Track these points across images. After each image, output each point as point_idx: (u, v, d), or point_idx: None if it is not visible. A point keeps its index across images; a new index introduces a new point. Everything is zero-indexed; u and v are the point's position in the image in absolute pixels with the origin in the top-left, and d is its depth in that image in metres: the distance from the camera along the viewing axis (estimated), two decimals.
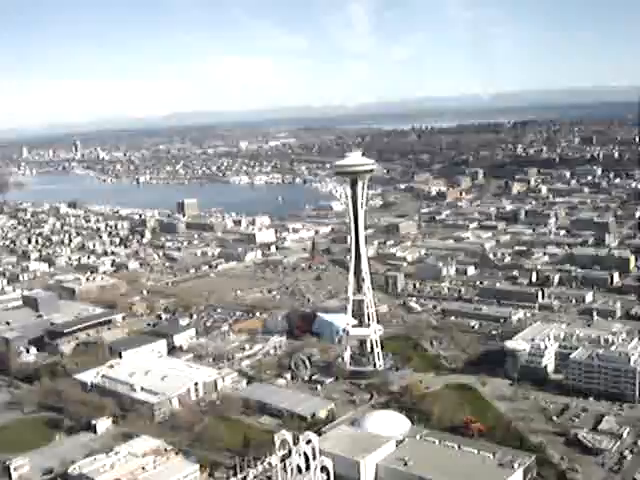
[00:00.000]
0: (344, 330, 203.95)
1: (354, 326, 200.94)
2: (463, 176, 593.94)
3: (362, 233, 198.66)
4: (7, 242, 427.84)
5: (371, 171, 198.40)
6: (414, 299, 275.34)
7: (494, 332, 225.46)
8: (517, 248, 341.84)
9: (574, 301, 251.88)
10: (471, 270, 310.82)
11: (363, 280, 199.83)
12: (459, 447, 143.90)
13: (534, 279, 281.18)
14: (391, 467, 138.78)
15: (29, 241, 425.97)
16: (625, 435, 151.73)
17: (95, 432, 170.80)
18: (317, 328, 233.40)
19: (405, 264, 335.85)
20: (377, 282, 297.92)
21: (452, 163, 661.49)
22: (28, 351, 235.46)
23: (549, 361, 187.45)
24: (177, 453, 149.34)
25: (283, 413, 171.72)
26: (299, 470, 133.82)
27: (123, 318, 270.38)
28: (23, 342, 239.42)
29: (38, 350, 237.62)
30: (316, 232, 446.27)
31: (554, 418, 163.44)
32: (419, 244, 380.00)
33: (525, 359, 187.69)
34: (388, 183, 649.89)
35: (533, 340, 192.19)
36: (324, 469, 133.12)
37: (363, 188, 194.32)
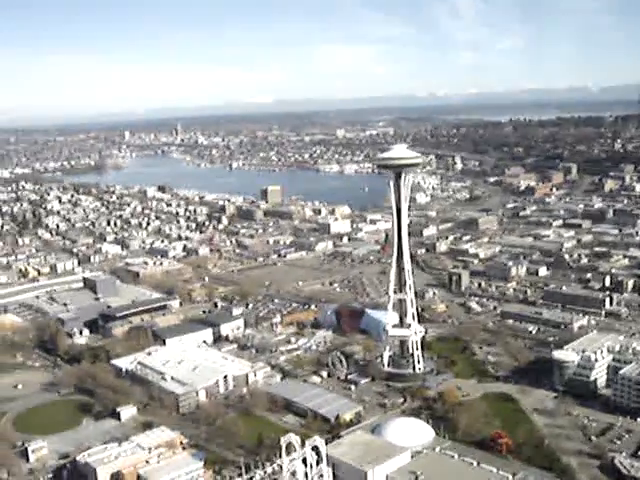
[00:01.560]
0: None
1: (394, 326, 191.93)
2: (555, 171, 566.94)
3: (405, 229, 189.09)
4: (87, 224, 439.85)
5: (416, 165, 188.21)
6: (477, 299, 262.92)
7: (551, 339, 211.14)
8: (597, 249, 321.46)
9: None
10: (543, 271, 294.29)
11: (407, 278, 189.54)
12: (478, 464, 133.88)
13: (607, 283, 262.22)
14: None
15: (108, 223, 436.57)
16: None
17: (119, 419, 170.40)
18: (365, 325, 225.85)
19: (476, 261, 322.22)
20: (442, 280, 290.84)
21: (546, 157, 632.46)
22: (81, 333, 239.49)
23: (600, 375, 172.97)
24: (184, 448, 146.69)
25: (307, 413, 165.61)
26: (305, 475, 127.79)
27: (180, 304, 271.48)
28: (77, 324, 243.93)
29: (92, 333, 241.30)
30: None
31: (593, 438, 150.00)
32: (496, 241, 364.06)
33: (573, 371, 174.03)
34: (478, 176, 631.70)
35: (584, 351, 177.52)
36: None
37: (407, 182, 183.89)
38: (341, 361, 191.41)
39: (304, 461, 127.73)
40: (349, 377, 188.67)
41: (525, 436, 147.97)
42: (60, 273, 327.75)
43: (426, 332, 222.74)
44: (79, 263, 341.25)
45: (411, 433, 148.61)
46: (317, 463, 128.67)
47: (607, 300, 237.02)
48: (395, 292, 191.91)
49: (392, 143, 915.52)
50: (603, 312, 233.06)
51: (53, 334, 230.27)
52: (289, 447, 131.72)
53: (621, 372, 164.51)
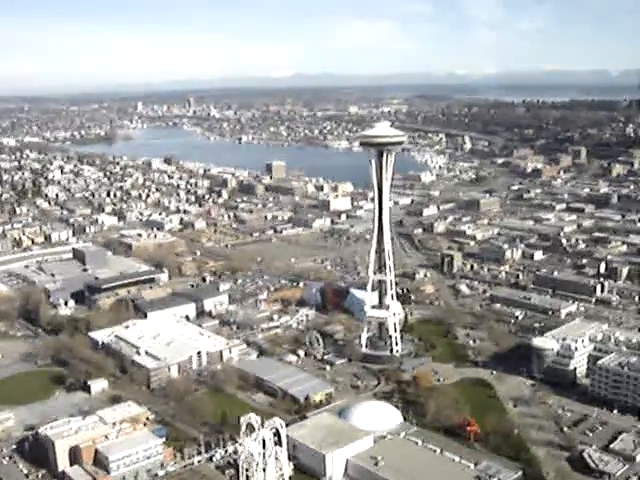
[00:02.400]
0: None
1: (373, 307, 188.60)
2: (564, 154, 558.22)
3: (386, 208, 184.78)
4: (87, 194, 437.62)
5: (399, 143, 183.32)
6: (467, 281, 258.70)
7: (537, 325, 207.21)
8: (596, 234, 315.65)
9: (638, 299, 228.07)
10: (538, 255, 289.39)
11: (387, 259, 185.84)
12: (441, 451, 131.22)
13: (602, 270, 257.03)
14: (359, 465, 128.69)
15: (108, 194, 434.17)
16: (639, 459, 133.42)
17: (89, 392, 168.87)
18: (349, 304, 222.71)
19: (472, 243, 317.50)
20: (436, 261, 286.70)
21: (556, 139, 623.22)
22: (66, 304, 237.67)
23: (579, 364, 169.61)
24: (145, 424, 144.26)
25: (277, 392, 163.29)
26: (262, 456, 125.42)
27: (169, 277, 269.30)
28: (63, 294, 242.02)
29: (78, 304, 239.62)
30: (395, 203, 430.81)
31: (565, 429, 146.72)
32: (495, 223, 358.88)
33: (552, 359, 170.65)
34: (486, 156, 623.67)
35: (564, 339, 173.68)
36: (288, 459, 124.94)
37: (388, 161, 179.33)
38: (318, 340, 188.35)
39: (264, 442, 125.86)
40: (325, 357, 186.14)
41: (495, 424, 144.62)
42: (54, 243, 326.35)
43: (411, 314, 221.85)
44: (74, 234, 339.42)
45: (378, 417, 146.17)
46: (279, 444, 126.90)
47: (598, 287, 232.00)
48: (375, 273, 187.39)
49: (404, 121, 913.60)
50: (594, 299, 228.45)
51: (36, 304, 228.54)
52: (249, 427, 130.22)
53: (599, 362, 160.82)
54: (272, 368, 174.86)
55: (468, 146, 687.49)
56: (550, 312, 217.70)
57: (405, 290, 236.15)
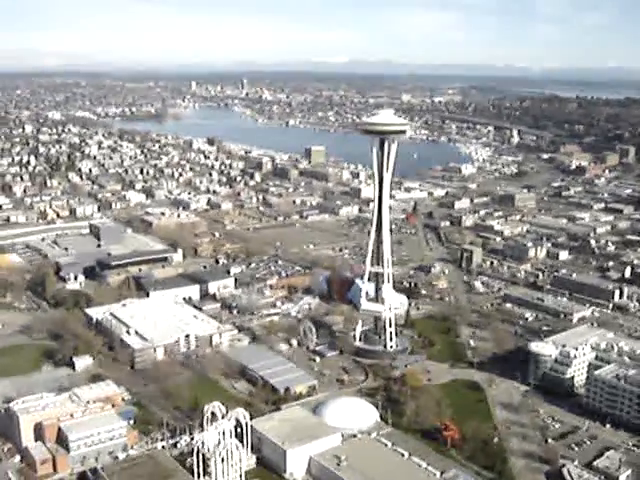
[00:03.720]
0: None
1: (369, 300, 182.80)
2: (612, 152, 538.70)
3: (386, 199, 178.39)
4: (121, 170, 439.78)
5: (402, 132, 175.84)
6: (484, 278, 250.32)
7: (545, 328, 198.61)
8: (629, 237, 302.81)
9: None
10: (564, 255, 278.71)
11: (384, 251, 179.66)
12: (410, 455, 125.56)
13: (627, 274, 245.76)
14: (321, 463, 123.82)
15: (141, 172, 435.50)
16: (622, 479, 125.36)
17: (73, 369, 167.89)
18: (352, 295, 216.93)
19: (498, 239, 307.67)
20: (456, 255, 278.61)
21: (606, 137, 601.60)
22: (76, 278, 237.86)
23: (578, 373, 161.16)
24: (114, 405, 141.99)
25: (259, 381, 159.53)
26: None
27: (184, 257, 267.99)
28: (74, 269, 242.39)
29: (88, 279, 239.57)
30: (430, 194, 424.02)
31: (550, 441, 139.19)
32: (527, 219, 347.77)
33: (549, 366, 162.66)
34: (532, 151, 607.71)
35: (564, 345, 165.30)
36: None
37: (390, 150, 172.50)
38: (311, 330, 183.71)
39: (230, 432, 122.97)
40: (317, 348, 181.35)
41: (477, 430, 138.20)
42: (79, 217, 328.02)
43: (417, 308, 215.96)
44: (99, 209, 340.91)
45: (352, 414, 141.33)
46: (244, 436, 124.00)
47: (617, 292, 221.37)
48: (373, 265, 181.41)
49: (454, 112, 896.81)
50: (611, 305, 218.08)
51: (44, 277, 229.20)
52: (213, 416, 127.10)
53: (595, 373, 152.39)
54: (259, 356, 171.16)
55: (516, 140, 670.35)
56: (562, 315, 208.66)
57: (413, 284, 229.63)
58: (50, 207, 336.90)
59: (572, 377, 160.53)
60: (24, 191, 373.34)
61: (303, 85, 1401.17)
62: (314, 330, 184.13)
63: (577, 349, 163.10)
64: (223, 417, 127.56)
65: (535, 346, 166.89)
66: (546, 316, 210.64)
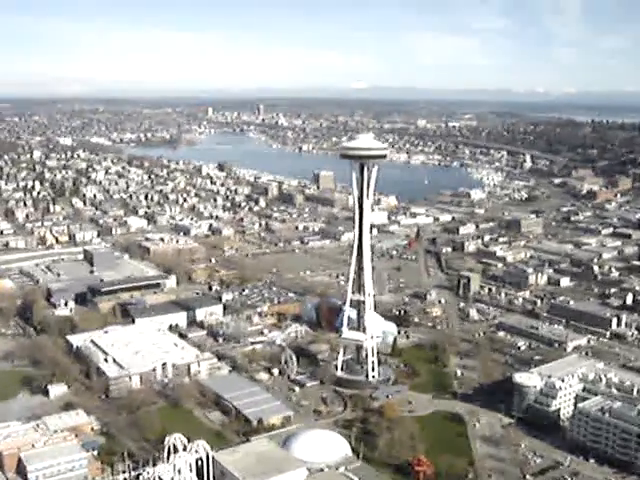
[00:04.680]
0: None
1: (351, 328, 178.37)
2: (624, 176, 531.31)
3: (367, 226, 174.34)
4: (125, 196, 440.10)
5: (382, 157, 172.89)
6: (481, 306, 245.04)
7: (537, 357, 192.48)
8: (635, 263, 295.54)
9: None
10: (565, 281, 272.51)
11: (365, 279, 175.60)
12: None
13: (629, 302, 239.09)
14: None
15: (146, 197, 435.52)
16: None
17: (48, 396, 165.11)
18: (341, 323, 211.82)
19: (500, 265, 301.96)
20: (453, 282, 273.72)
21: (620, 162, 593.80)
22: (66, 304, 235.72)
23: (564, 405, 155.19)
24: (77, 435, 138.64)
25: (232, 412, 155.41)
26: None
27: (178, 284, 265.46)
28: (65, 295, 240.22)
29: (80, 305, 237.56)
30: (435, 219, 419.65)
31: (528, 477, 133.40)
32: (531, 245, 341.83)
33: (534, 397, 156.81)
34: (544, 176, 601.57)
35: (550, 376, 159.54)
36: None
37: (371, 175, 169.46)
38: (292, 359, 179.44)
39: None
40: (297, 378, 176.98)
41: (452, 465, 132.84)
42: (79, 243, 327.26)
43: (407, 337, 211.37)
44: (99, 234, 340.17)
45: (322, 448, 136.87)
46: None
47: (614, 320, 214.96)
48: (354, 292, 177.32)
49: (467, 137, 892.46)
50: (608, 333, 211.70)
51: (33, 303, 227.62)
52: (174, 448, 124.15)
53: (580, 405, 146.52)
54: (235, 386, 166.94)
55: (528, 164, 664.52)
56: (556, 344, 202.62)
57: (403, 311, 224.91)
58: (50, 233, 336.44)
59: (558, 409, 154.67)
60: (26, 216, 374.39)
61: (319, 111, 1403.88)
62: (294, 359, 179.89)
63: (563, 380, 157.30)
64: (185, 449, 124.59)
65: (519, 377, 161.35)
66: (540, 345, 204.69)
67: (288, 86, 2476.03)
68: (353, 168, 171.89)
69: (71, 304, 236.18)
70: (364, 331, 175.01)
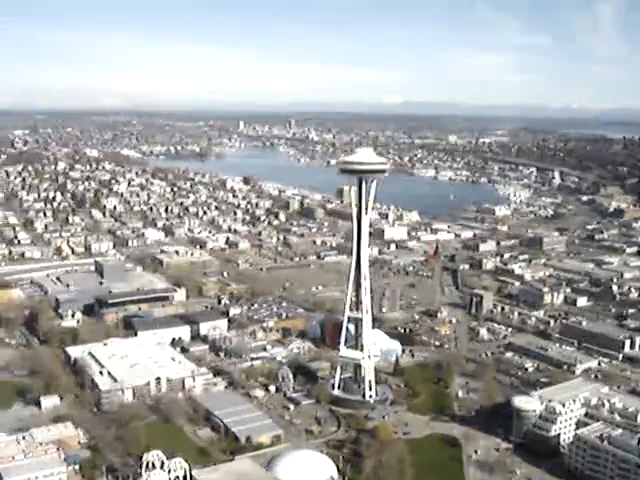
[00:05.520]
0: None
1: (349, 347, 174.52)
2: None
3: (365, 241, 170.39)
4: (146, 208, 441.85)
5: (382, 172, 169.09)
6: (492, 325, 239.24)
7: (544, 380, 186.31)
8: None
9: None
10: (582, 301, 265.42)
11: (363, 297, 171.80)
12: None
13: None
14: None
15: (166, 210, 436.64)
16: None
17: (40, 408, 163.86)
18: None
19: (517, 283, 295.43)
20: (466, 300, 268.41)
21: None
22: (73, 315, 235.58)
23: (564, 430, 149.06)
24: (58, 448, 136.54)
25: (221, 429, 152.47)
26: None
27: (187, 297, 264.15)
28: (73, 306, 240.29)
29: (88, 316, 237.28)
30: (456, 235, 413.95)
31: None
32: (552, 263, 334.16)
33: (533, 422, 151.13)
34: (572, 193, 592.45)
35: (550, 400, 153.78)
36: None
37: (369, 190, 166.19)
38: (288, 376, 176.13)
39: None
40: (293, 395, 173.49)
41: None
42: (94, 254, 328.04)
43: (412, 355, 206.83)
44: (114, 246, 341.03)
45: (307, 470, 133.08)
46: None
47: (627, 342, 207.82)
48: (352, 310, 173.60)
49: (497, 153, 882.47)
50: (620, 355, 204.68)
51: (39, 313, 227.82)
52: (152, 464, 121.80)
53: (578, 432, 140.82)
54: (228, 402, 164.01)
55: (557, 181, 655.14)
56: (565, 366, 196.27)
57: (408, 330, 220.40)
58: (67, 243, 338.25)
59: (558, 435, 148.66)
60: (45, 227, 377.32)
61: (351, 125, 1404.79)
62: (291, 376, 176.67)
63: (564, 405, 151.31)
64: (162, 466, 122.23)
65: (518, 400, 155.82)
66: (548, 367, 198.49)
67: (321, 101, 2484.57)
68: (352, 183, 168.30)
69: (78, 315, 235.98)
70: (361, 349, 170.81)
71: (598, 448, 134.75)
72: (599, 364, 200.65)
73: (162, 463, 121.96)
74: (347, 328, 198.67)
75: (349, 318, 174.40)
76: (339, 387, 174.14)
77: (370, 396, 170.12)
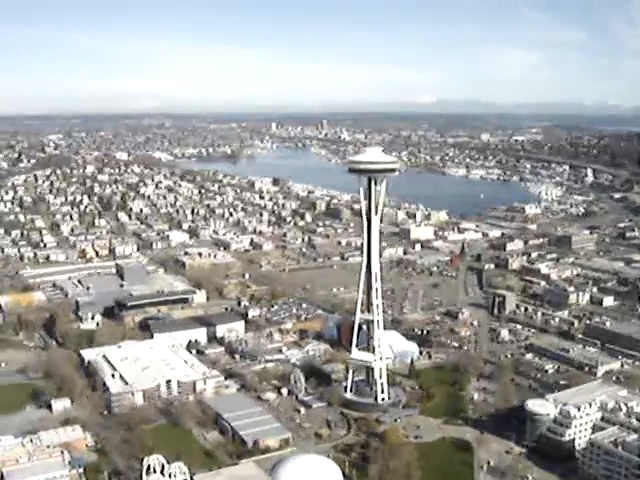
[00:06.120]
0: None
1: (361, 349, 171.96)
2: None
3: (375, 242, 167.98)
4: (172, 210, 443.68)
5: (391, 171, 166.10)
6: (514, 326, 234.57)
7: (563, 382, 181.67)
8: None
9: None
10: (608, 301, 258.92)
11: (374, 298, 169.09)
12: None
13: None
14: None
15: (192, 212, 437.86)
16: None
17: (51, 410, 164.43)
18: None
19: (543, 283, 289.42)
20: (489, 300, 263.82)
21: None
22: (93, 318, 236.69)
23: (579, 434, 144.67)
24: (62, 452, 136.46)
25: (229, 432, 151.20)
26: None
27: (207, 299, 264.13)
28: (93, 308, 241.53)
29: (108, 319, 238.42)
30: (484, 235, 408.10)
31: None
32: (580, 262, 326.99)
33: (547, 426, 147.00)
34: (605, 190, 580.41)
35: (565, 404, 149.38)
36: None
37: (379, 190, 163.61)
38: (300, 379, 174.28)
39: None
40: (305, 398, 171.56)
41: None
42: (118, 256, 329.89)
43: (429, 357, 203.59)
44: (138, 248, 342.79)
45: (311, 475, 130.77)
46: None
47: None
48: (363, 312, 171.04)
49: (530, 151, 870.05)
50: None
51: (57, 316, 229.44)
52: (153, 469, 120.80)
53: (591, 436, 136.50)
54: (237, 405, 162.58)
55: (590, 179, 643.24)
56: (587, 368, 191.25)
57: (426, 332, 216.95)
58: (92, 246, 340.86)
59: (572, 440, 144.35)
60: (71, 230, 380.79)
61: (384, 125, 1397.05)
62: (303, 379, 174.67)
63: (579, 408, 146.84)
64: (162, 471, 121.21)
65: (532, 404, 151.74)
66: (569, 368, 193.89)
67: (353, 101, 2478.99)
68: (361, 183, 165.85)
69: (98, 318, 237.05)
70: (373, 351, 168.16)
71: (612, 453, 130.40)
72: (622, 366, 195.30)
73: (162, 467, 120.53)
74: (360, 330, 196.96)
75: (361, 320, 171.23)
76: (351, 390, 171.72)
77: (382, 399, 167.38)
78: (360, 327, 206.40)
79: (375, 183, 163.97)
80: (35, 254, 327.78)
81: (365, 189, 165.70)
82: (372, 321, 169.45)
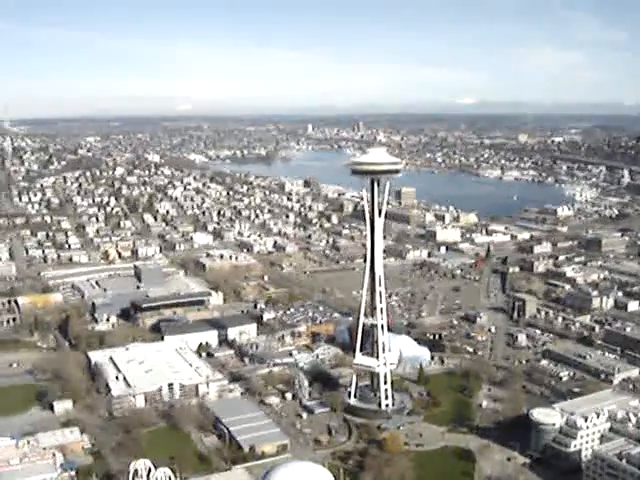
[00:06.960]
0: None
1: (365, 354, 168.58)
2: None
3: (379, 244, 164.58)
4: (199, 212, 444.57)
5: (395, 172, 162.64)
6: (532, 331, 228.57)
7: (576, 390, 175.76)
8: None
9: None
10: (633, 305, 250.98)
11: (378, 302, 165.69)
12: None
13: None
14: None
15: (219, 213, 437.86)
16: None
17: (53, 412, 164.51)
18: None
19: (568, 287, 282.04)
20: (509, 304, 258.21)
21: None
22: (108, 319, 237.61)
23: (586, 445, 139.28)
24: (54, 454, 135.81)
25: (226, 437, 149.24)
26: None
27: (224, 301, 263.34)
28: (109, 310, 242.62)
29: (126, 321, 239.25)
30: (512, 237, 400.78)
31: None
32: (609, 265, 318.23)
33: (553, 436, 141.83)
34: None
35: (572, 413, 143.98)
36: None
37: (383, 191, 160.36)
38: (303, 383, 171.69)
39: None
40: (307, 404, 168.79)
41: None
42: (141, 258, 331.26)
43: (442, 362, 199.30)
44: (161, 250, 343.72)
45: None
46: None
47: None
48: (367, 316, 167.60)
49: (566, 152, 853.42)
50: None
51: (71, 317, 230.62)
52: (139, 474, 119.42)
53: (596, 448, 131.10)
54: (237, 410, 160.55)
55: (626, 180, 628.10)
56: (603, 375, 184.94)
57: (437, 336, 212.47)
58: (115, 248, 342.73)
59: (578, 451, 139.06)
60: (97, 232, 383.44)
61: (421, 126, 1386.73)
62: (306, 383, 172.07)
63: (586, 418, 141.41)
64: (149, 475, 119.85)
65: (537, 413, 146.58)
66: (585, 376, 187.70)
67: (392, 102, 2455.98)
68: (364, 184, 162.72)
69: (113, 319, 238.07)
70: (377, 357, 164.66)
71: (615, 466, 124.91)
72: None
73: (149, 472, 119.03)
74: (364, 334, 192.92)
75: (367, 324, 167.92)
76: (355, 395, 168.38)
77: (386, 405, 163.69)
78: (368, 331, 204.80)
79: (378, 184, 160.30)
80: (59, 255, 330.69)
81: (368, 191, 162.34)
82: (376, 325, 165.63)
